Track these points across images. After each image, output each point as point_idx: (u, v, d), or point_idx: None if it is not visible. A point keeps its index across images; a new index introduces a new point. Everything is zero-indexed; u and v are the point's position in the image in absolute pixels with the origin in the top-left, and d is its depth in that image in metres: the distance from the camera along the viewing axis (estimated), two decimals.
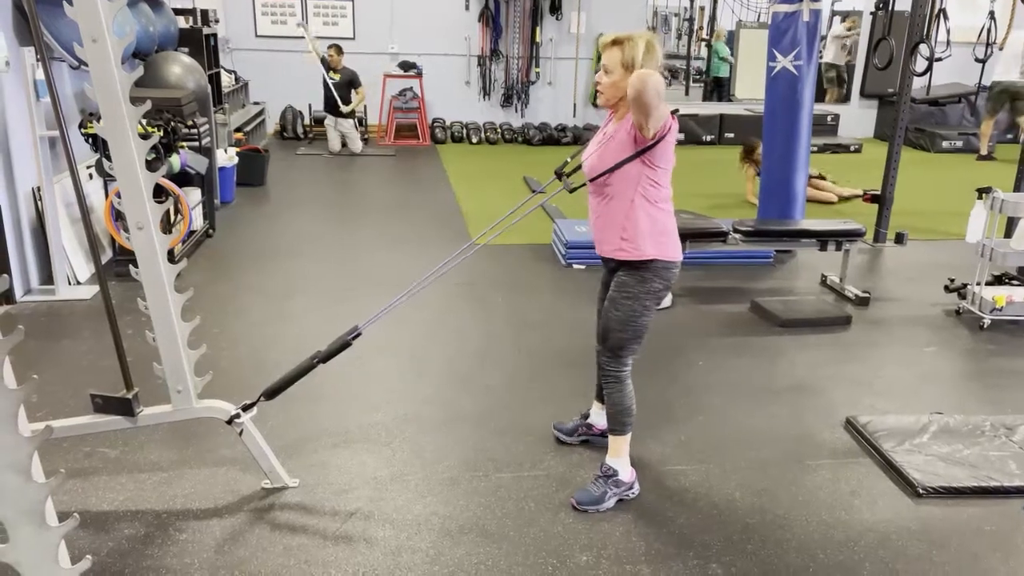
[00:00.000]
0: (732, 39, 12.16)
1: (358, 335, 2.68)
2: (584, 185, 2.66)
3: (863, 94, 11.49)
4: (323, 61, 9.09)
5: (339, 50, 9.23)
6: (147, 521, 2.58)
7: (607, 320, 2.66)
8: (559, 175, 2.74)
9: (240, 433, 2.68)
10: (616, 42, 2.49)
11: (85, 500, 2.68)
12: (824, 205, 7.23)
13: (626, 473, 2.76)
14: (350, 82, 9.23)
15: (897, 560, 2.51)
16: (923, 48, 5.63)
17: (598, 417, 3.10)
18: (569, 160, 2.77)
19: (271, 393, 2.69)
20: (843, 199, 7.43)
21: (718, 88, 12.34)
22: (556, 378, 3.69)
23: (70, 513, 1.85)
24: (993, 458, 3.04)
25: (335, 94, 8.99)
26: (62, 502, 2.63)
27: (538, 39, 10.57)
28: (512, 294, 4.83)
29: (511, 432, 3.20)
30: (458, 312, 4.50)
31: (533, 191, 7.52)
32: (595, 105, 10.85)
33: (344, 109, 9.08)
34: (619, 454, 2.76)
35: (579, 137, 10.30)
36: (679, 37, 13.28)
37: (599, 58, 11.10)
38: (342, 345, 2.65)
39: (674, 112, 2.50)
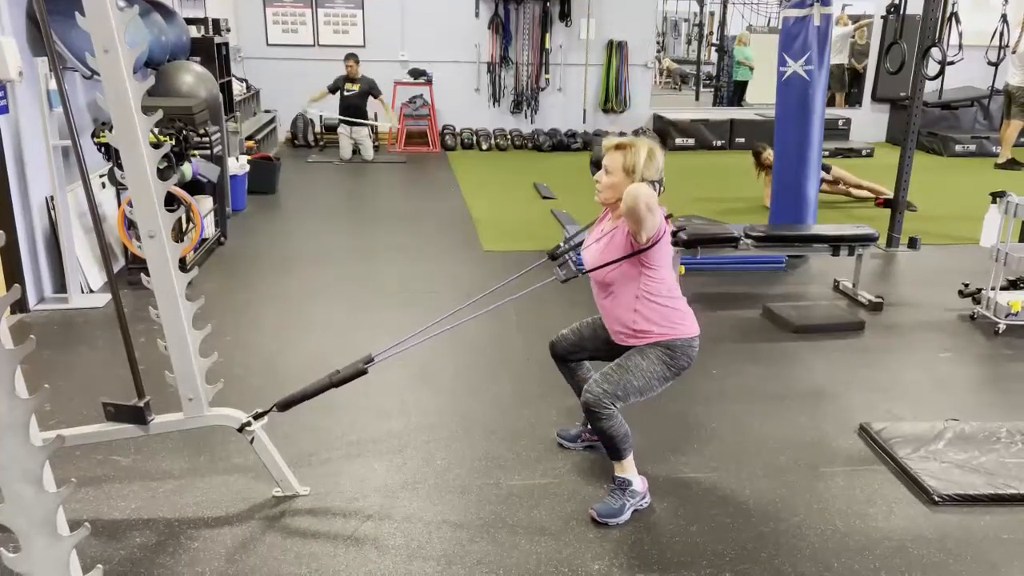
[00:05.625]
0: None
1: (371, 362, 2.68)
2: (576, 277, 2.72)
3: (875, 98, 11.44)
4: (333, 88, 9.24)
5: (356, 60, 9.27)
6: (159, 529, 2.59)
7: (625, 373, 2.69)
8: (552, 256, 2.95)
9: (251, 441, 2.69)
10: (620, 147, 2.65)
11: (98, 508, 2.69)
12: (838, 208, 7.18)
13: (638, 482, 2.75)
14: (368, 91, 9.27)
15: (913, 569, 2.48)
16: (935, 52, 5.60)
17: None
18: (562, 245, 2.99)
19: (284, 406, 2.69)
20: (860, 191, 7.37)
21: (740, 93, 12.25)
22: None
23: (82, 521, 1.85)
24: (1010, 465, 3.00)
25: (353, 104, 9.13)
26: (75, 510, 2.64)
27: (548, 45, 10.58)
28: (521, 301, 4.80)
29: (522, 440, 3.20)
30: (467, 319, 4.48)
31: (543, 196, 7.53)
32: (605, 111, 10.87)
33: (383, 126, 9.22)
34: (625, 470, 2.75)
35: (588, 143, 10.29)
36: (689, 43, 13.33)
37: (609, 63, 11.03)
38: (356, 372, 2.66)
39: (668, 216, 2.66)
